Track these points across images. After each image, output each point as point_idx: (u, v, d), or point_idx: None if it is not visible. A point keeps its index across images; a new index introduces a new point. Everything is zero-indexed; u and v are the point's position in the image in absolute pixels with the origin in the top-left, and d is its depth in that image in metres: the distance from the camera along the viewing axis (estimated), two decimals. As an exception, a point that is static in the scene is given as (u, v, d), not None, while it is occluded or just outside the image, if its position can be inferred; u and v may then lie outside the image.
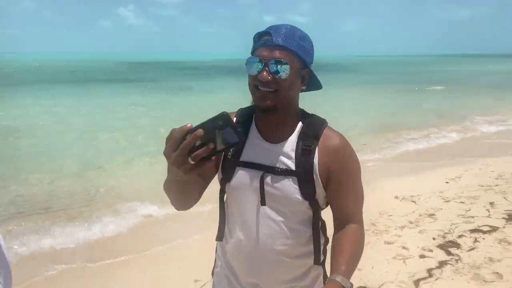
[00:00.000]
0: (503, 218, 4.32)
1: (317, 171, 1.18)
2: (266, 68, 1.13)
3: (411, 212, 4.67)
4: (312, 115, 1.28)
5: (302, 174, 1.18)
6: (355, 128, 10.30)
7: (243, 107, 1.34)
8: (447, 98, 17.96)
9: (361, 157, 4.80)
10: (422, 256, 3.57)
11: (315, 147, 1.19)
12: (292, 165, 1.19)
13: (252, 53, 1.20)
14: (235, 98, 15.37)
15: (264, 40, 1.16)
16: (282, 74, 1.13)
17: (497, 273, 3.20)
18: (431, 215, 4.56)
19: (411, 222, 4.37)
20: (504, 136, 9.85)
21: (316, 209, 1.21)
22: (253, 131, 1.27)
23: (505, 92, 19.72)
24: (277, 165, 1.20)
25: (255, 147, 1.24)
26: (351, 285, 1.04)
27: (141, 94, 19.23)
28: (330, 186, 1.20)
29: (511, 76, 31.94)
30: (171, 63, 65.45)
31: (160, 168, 6.16)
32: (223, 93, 18.74)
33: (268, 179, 1.20)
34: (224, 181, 1.27)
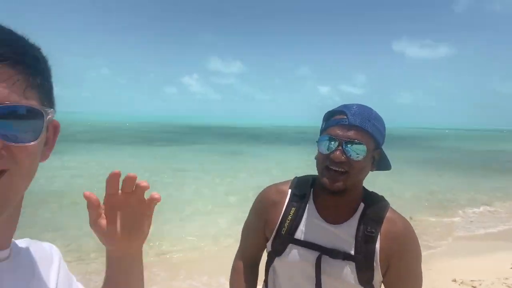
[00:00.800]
0: None
1: (378, 258, 1.13)
2: (340, 148, 1.10)
3: (471, 299, 4.32)
4: (372, 193, 1.24)
5: (362, 260, 1.13)
6: (414, 205, 9.80)
7: (299, 176, 1.32)
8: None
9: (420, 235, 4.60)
10: None
11: (378, 234, 1.14)
12: (351, 250, 1.15)
13: (323, 131, 1.18)
14: (288, 163, 15.60)
15: (338, 119, 1.14)
16: (356, 156, 1.10)
17: None
18: (493, 304, 4.18)
19: (470, 310, 4.03)
20: None
21: None
22: (311, 209, 1.23)
23: None
24: (336, 248, 1.16)
25: (313, 227, 1.20)
26: None
27: (193, 156, 20.08)
28: (389, 272, 1.16)
29: None
30: (228, 128, 68.27)
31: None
32: (276, 158, 19.02)
33: (325, 261, 1.16)
34: (273, 255, 1.25)
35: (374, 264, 1.13)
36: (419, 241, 1.21)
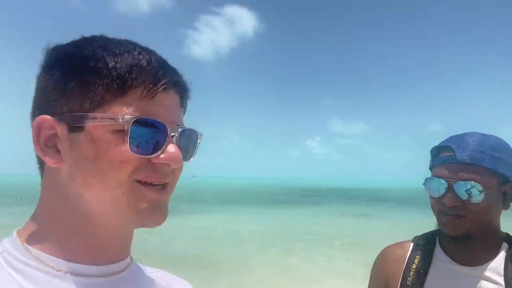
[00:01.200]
0: None
1: None
2: (451, 191, 0.96)
3: None
4: None
5: None
6: None
7: (419, 234, 1.18)
8: None
9: None
10: None
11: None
12: None
13: (431, 169, 1.05)
14: (415, 227, 14.25)
15: (444, 156, 0.99)
16: (472, 199, 0.94)
17: None
18: None
19: None
20: None
21: None
22: (439, 253, 1.07)
23: None
24: None
25: (444, 272, 1.04)
26: None
27: (315, 218, 19.83)
28: None
29: None
30: (352, 189, 66.10)
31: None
32: (402, 222, 17.51)
33: None
34: None
35: None
36: None
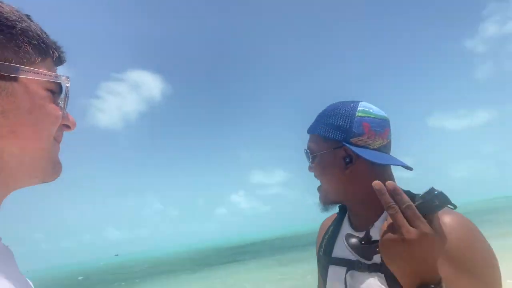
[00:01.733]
0: None
1: None
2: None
3: None
4: (415, 195, 0.83)
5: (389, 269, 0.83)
6: None
7: None
8: None
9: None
10: None
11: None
12: (377, 259, 0.89)
13: None
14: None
15: None
16: (311, 164, 1.04)
17: None
18: None
19: None
20: None
21: None
22: (345, 222, 1.08)
23: None
24: (361, 259, 0.91)
25: (343, 240, 0.99)
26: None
27: (257, 271, 19.31)
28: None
29: None
30: (279, 239, 66.53)
31: None
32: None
33: (350, 276, 0.96)
34: (324, 281, 1.07)
35: None
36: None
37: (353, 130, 0.95)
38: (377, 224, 0.93)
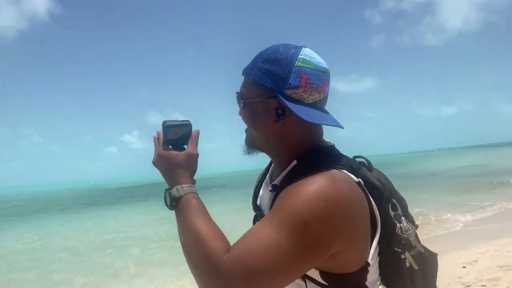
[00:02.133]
0: (531, 297, 3.97)
1: None
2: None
3: (430, 301, 4.30)
4: (332, 154, 0.95)
5: None
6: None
7: None
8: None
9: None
10: None
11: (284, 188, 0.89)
12: (267, 209, 1.03)
13: None
14: (235, 207, 15.33)
15: None
16: (240, 108, 1.00)
17: None
18: (453, 302, 4.19)
19: (432, 312, 3.99)
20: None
21: None
22: (269, 173, 1.14)
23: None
24: (263, 208, 1.07)
25: (263, 188, 1.13)
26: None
27: (139, 213, 19.18)
28: None
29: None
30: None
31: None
32: (223, 204, 18.60)
33: (257, 221, 1.05)
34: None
35: None
36: None
37: (290, 81, 0.90)
38: (279, 178, 0.98)
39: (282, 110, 0.92)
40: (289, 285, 0.86)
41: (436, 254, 1.05)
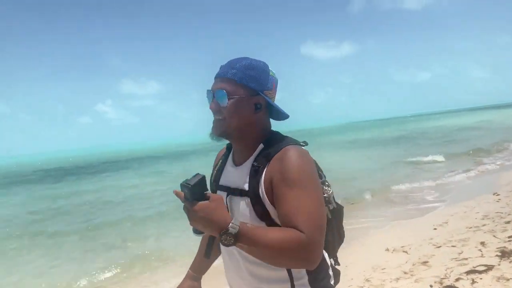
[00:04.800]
0: (496, 255, 4.20)
1: (263, 189, 1.15)
2: (213, 99, 1.23)
3: (404, 263, 4.49)
4: (279, 136, 1.26)
5: (252, 194, 1.18)
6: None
7: None
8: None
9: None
10: (422, 306, 3.33)
11: (265, 166, 1.17)
12: (246, 186, 1.21)
13: None
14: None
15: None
16: (221, 103, 1.21)
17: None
18: (424, 262, 4.39)
19: (405, 273, 4.18)
20: (478, 179, 10.03)
21: None
22: (230, 156, 1.38)
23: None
24: (236, 187, 1.25)
25: (227, 171, 1.34)
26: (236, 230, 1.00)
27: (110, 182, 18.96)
28: (275, 202, 1.13)
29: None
30: (146, 150, 66.02)
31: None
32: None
33: (230, 200, 1.26)
34: None
35: (261, 195, 1.16)
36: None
37: (268, 85, 1.24)
38: (251, 159, 1.24)
39: (260, 105, 1.23)
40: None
41: (343, 207, 1.40)
